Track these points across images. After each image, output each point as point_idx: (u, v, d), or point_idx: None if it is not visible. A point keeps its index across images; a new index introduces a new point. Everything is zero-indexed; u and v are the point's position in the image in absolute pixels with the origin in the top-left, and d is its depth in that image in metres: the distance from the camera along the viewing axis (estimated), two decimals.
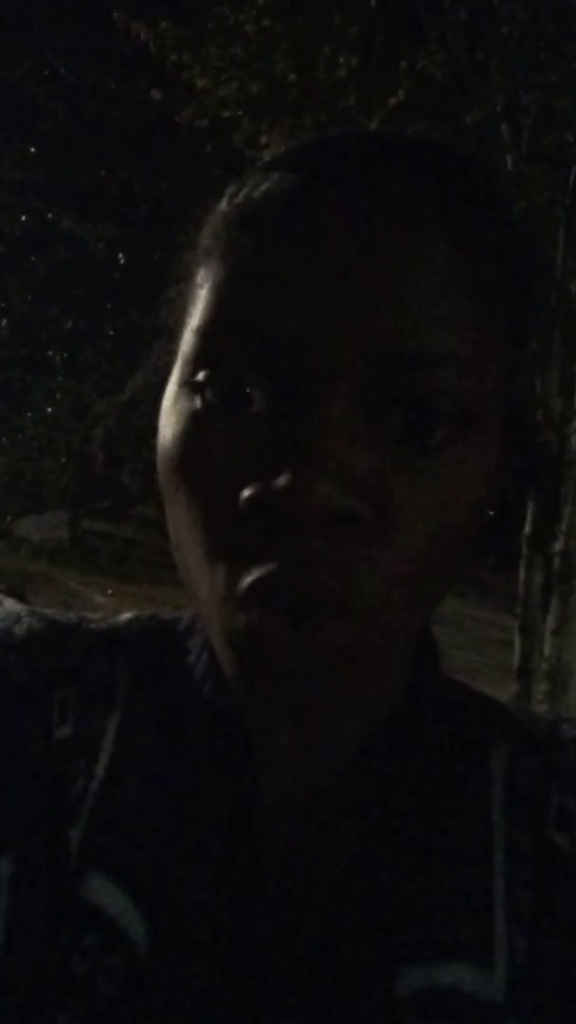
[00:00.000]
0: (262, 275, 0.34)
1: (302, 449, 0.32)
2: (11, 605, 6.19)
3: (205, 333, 0.35)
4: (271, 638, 0.33)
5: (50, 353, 11.54)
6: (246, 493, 0.32)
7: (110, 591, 8.29)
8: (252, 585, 0.33)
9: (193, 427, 0.35)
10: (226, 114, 4.40)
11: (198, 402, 0.35)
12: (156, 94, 4.91)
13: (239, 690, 0.35)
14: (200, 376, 0.35)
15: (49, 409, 10.81)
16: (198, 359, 0.35)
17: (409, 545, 0.33)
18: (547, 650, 3.62)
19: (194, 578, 0.36)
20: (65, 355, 11.34)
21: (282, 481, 0.31)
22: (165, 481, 0.37)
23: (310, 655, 0.33)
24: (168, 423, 0.37)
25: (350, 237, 0.33)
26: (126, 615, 0.50)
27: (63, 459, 10.66)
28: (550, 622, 3.62)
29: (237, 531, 0.33)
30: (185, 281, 0.40)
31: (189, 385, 0.36)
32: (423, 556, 0.34)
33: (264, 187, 0.36)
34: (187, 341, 0.37)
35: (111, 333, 10.80)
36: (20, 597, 7.19)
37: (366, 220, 0.33)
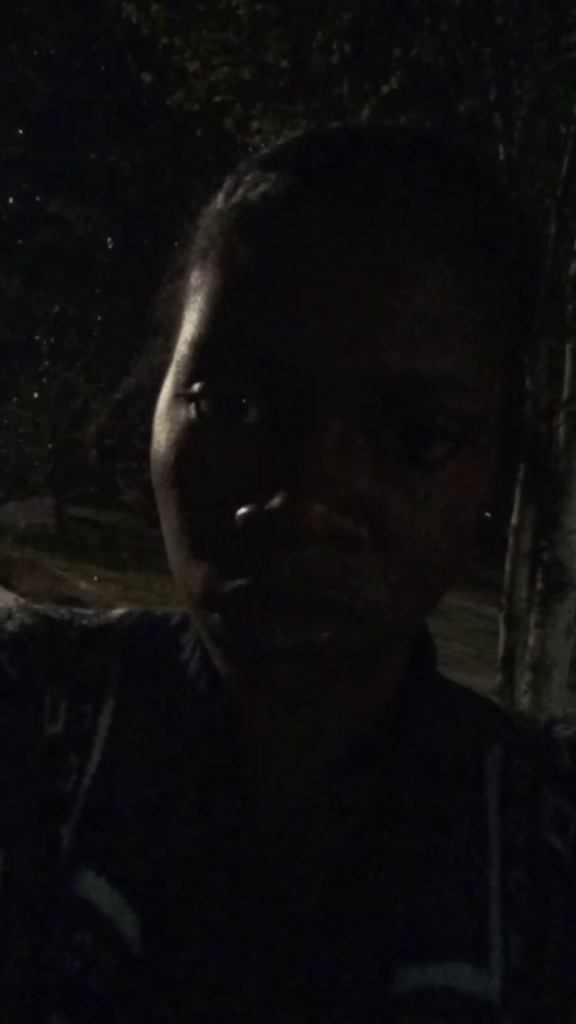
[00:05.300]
0: (258, 291, 0.33)
1: (297, 469, 0.31)
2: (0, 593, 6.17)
3: (201, 346, 0.35)
4: (264, 644, 0.33)
5: (36, 337, 11.45)
6: (241, 512, 0.32)
7: (96, 578, 8.26)
8: (239, 589, 0.33)
9: (187, 437, 0.35)
10: (217, 98, 4.36)
11: (193, 412, 0.35)
12: (147, 77, 4.87)
13: (234, 685, 0.35)
14: (195, 388, 0.35)
15: (35, 394, 10.72)
16: (193, 371, 0.35)
17: (407, 559, 0.33)
18: (531, 641, 3.64)
19: (181, 582, 0.37)
20: (52, 340, 11.26)
21: (277, 502, 0.31)
22: (158, 487, 0.37)
23: (306, 659, 0.33)
24: (162, 431, 0.37)
25: (349, 254, 0.32)
26: (118, 611, 0.50)
27: (49, 444, 10.59)
28: (534, 613, 3.65)
29: (227, 541, 0.33)
30: (180, 279, 0.39)
31: (184, 396, 0.36)
32: (421, 568, 0.34)
33: (261, 189, 0.35)
34: (182, 352, 0.36)
35: (98, 318, 10.73)
36: (4, 583, 7.15)
37: (366, 236, 0.33)
